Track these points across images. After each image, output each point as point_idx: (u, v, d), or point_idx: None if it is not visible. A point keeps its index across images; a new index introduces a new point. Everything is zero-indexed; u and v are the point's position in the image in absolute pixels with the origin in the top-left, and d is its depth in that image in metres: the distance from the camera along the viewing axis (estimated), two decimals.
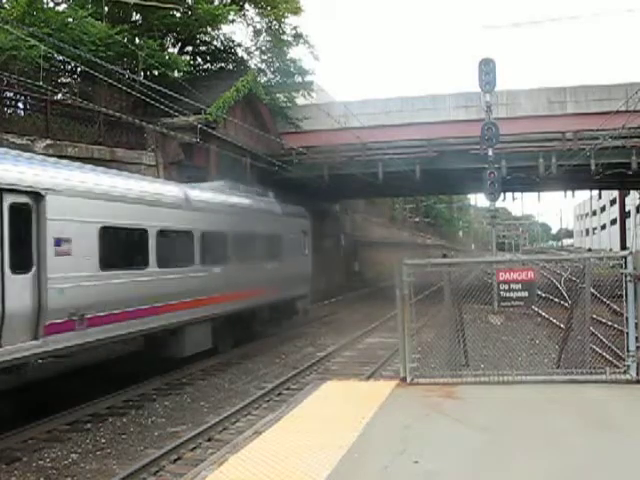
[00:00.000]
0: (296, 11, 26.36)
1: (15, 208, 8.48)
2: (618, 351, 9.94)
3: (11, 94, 15.66)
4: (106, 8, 20.81)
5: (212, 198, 14.11)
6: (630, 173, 23.83)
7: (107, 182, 10.51)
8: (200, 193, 13.72)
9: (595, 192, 76.30)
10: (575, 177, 26.44)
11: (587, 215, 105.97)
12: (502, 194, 25.78)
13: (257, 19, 27.11)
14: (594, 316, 11.57)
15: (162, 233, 11.58)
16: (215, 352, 13.93)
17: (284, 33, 27.17)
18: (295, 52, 28.17)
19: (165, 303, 11.50)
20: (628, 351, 7.70)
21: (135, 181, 11.68)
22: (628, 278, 7.55)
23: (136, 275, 10.83)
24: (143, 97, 15.90)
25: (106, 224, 10.08)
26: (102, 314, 9.84)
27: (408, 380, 7.87)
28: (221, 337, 14.10)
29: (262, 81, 26.53)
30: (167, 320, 11.66)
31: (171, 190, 12.67)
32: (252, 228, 15.61)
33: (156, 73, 20.92)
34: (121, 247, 10.80)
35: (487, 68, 20.77)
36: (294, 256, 18.68)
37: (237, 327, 15.00)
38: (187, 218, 12.55)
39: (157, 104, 15.91)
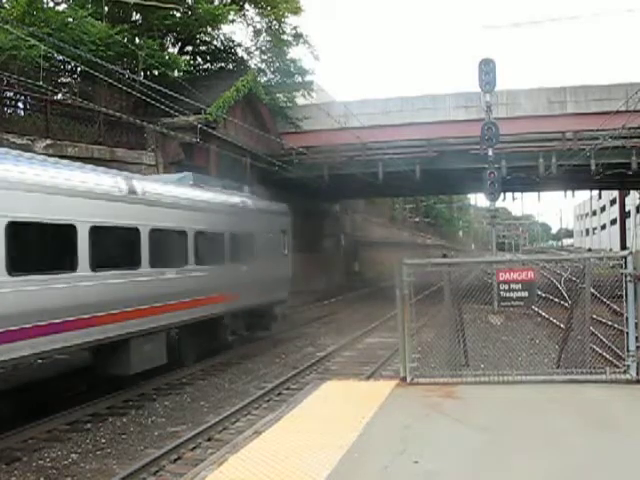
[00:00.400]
0: (296, 11, 26.39)
1: None
2: (618, 351, 9.94)
3: (11, 94, 15.69)
4: (106, 8, 20.84)
5: (168, 191, 12.28)
6: (630, 173, 23.86)
7: (17, 169, 8.75)
8: (151, 185, 11.84)
9: (595, 192, 76.35)
10: (575, 177, 26.47)
11: (587, 215, 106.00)
12: (502, 194, 25.85)
13: (257, 19, 27.20)
14: (594, 316, 11.58)
15: (97, 230, 9.73)
16: (179, 365, 12.67)
17: (284, 33, 27.21)
18: (295, 52, 28.31)
19: (101, 313, 9.75)
20: (628, 351, 7.70)
21: (58, 169, 9.64)
22: (628, 278, 7.55)
23: (60, 280, 8.97)
24: (143, 97, 15.91)
25: (17, 219, 8.32)
26: (15, 328, 8.16)
27: (408, 380, 7.87)
28: (182, 350, 12.72)
29: (262, 81, 26.55)
30: (103, 333, 9.88)
31: (110, 180, 10.61)
32: (218, 225, 13.91)
33: (156, 73, 20.96)
34: (39, 247, 8.95)
35: (487, 68, 20.78)
36: (271, 257, 16.91)
37: (202, 338, 13.43)
38: (132, 213, 10.76)
39: (157, 104, 15.91)
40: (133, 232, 10.81)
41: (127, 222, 10.66)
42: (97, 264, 9.71)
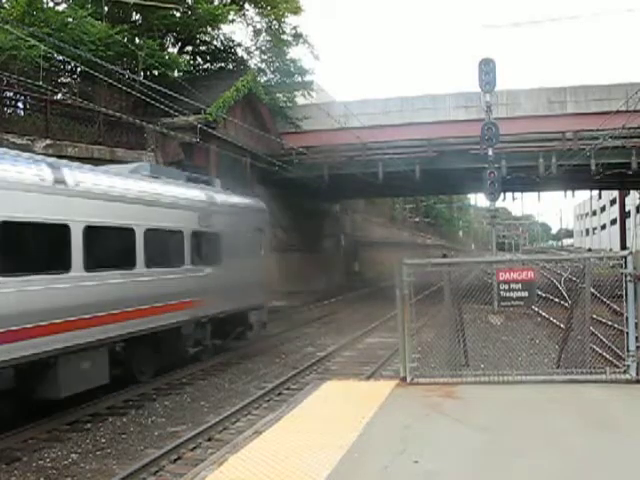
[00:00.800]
0: (296, 11, 26.43)
1: None
2: (618, 351, 9.94)
3: (11, 94, 15.71)
4: (106, 8, 20.87)
5: (111, 183, 10.44)
6: (630, 173, 23.89)
7: None
8: (86, 175, 10.00)
9: (595, 192, 76.36)
10: (575, 177, 26.48)
11: (587, 215, 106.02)
12: (502, 194, 25.86)
13: (257, 19, 27.26)
14: (594, 316, 11.58)
15: (8, 226, 8.14)
16: (132, 382, 11.37)
17: (284, 33, 27.27)
18: (295, 52, 28.40)
19: (15, 327, 8.10)
20: (628, 351, 7.71)
21: None
22: (628, 278, 7.55)
23: None
24: (143, 97, 15.92)
25: None
26: None
27: (408, 380, 7.87)
28: (133, 365, 11.31)
29: (262, 81, 26.60)
30: (19, 351, 8.21)
31: (30, 168, 8.83)
32: (176, 222, 12.24)
33: (156, 73, 20.98)
34: None
35: (487, 68, 20.79)
36: (244, 258, 14.99)
37: (158, 350, 11.96)
38: (60, 207, 9.09)
39: (157, 104, 15.93)
40: (61, 229, 9.13)
41: (53, 217, 8.98)
42: (9, 267, 8.17)
